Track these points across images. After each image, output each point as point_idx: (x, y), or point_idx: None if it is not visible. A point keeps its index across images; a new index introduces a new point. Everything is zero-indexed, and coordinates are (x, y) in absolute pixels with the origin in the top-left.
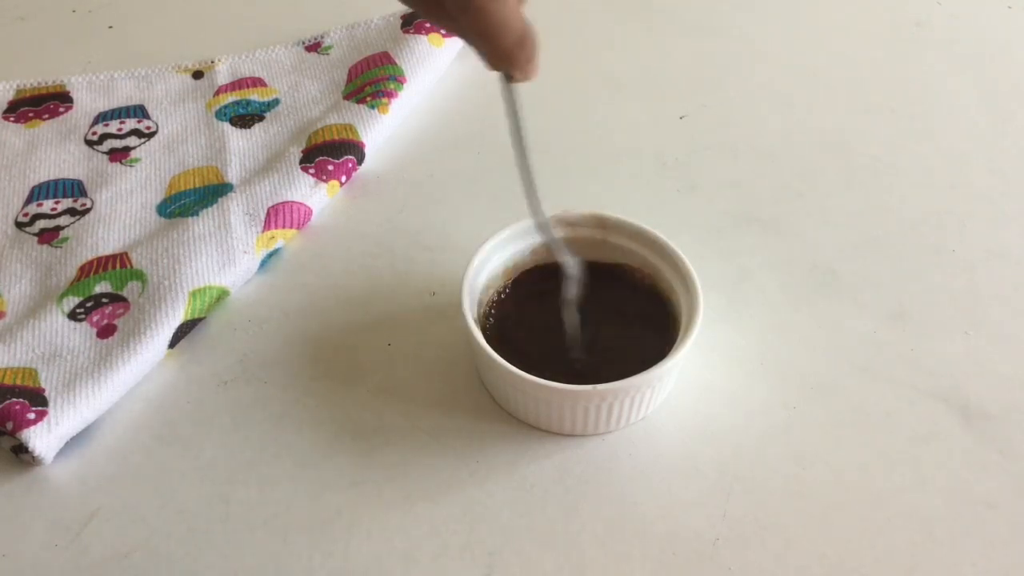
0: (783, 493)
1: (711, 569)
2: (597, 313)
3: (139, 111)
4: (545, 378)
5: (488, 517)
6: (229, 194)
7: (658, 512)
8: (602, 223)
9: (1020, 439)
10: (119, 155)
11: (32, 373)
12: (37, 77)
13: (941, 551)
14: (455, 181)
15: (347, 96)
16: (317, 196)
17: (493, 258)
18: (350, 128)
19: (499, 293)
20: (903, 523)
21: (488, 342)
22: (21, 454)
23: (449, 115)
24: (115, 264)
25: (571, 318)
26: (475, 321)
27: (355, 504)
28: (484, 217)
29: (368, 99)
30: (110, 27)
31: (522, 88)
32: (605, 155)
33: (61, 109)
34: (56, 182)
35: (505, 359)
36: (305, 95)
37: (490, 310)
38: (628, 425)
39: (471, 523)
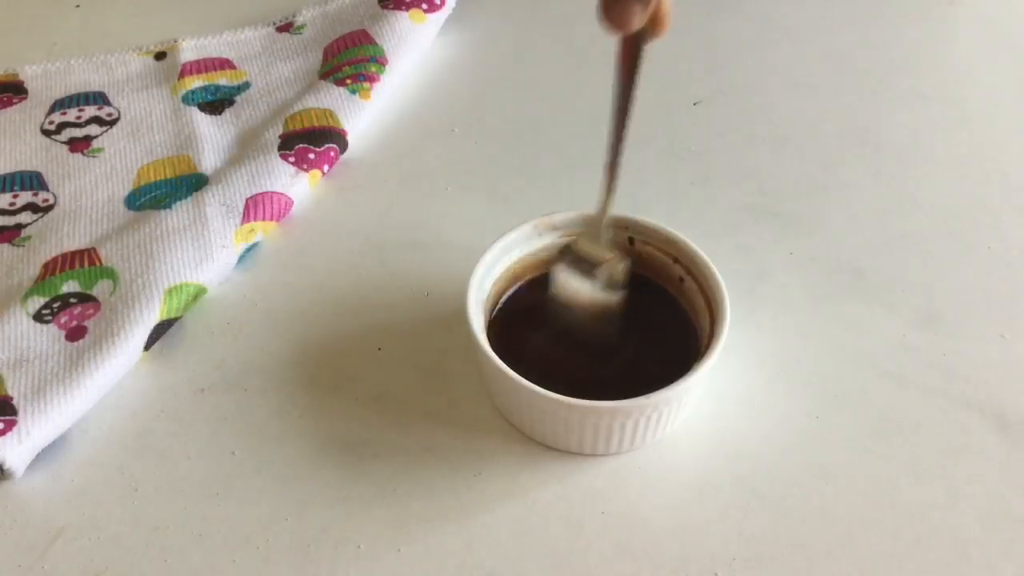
0: (804, 509)
1: None
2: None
3: (99, 97)
4: (556, 392)
5: (487, 536)
6: (204, 185)
7: (669, 530)
8: (627, 227)
9: None
10: (80, 145)
11: None
12: None
13: (976, 572)
14: (451, 172)
15: (323, 75)
16: (298, 186)
17: (500, 261)
18: (330, 114)
19: (505, 299)
20: (935, 542)
21: (494, 352)
22: None
23: (444, 100)
24: (83, 261)
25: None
26: (482, 330)
27: (342, 522)
28: (482, 212)
29: (348, 81)
30: (77, 6)
31: (519, 74)
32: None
33: (15, 100)
34: (12, 175)
35: (513, 371)
36: (278, 77)
37: (495, 317)
38: (645, 446)
39: (468, 543)
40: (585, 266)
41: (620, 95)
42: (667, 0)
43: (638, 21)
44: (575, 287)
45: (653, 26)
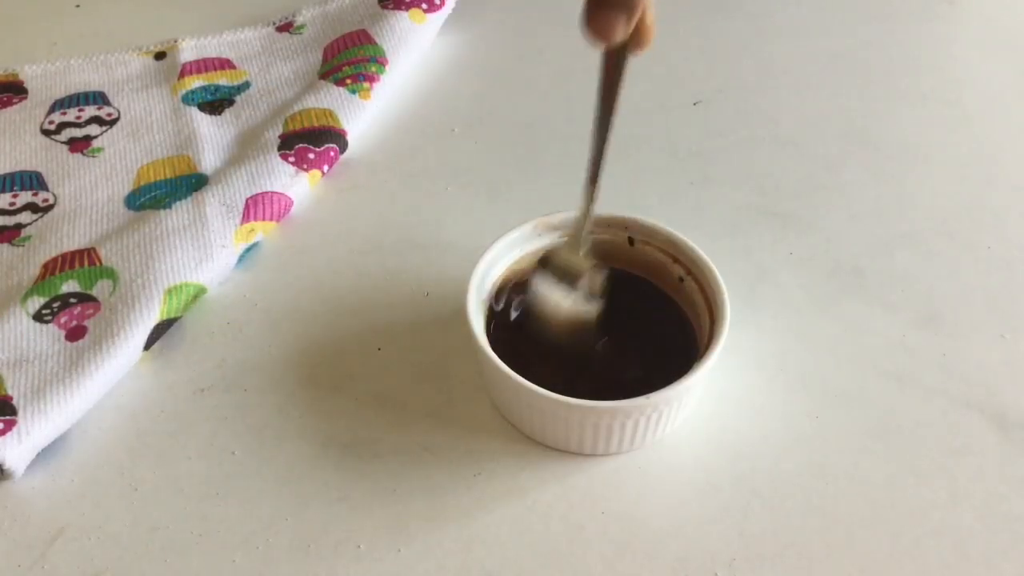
0: (805, 509)
1: None
2: (617, 325)
3: (99, 97)
4: (556, 392)
5: (487, 536)
6: (204, 185)
7: (669, 530)
8: (627, 226)
9: None
10: (80, 145)
11: None
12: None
13: (976, 572)
14: (451, 172)
15: (323, 75)
16: (298, 186)
17: (500, 261)
18: (330, 114)
19: (506, 299)
20: (935, 542)
21: (494, 352)
22: None
23: (444, 100)
24: (83, 261)
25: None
26: (482, 330)
27: (342, 522)
28: (483, 211)
29: (348, 81)
30: (77, 6)
31: (519, 74)
32: (612, 144)
33: (15, 100)
34: (12, 175)
35: (512, 370)
36: (278, 77)
37: (495, 317)
38: (645, 446)
39: (468, 543)
40: (565, 276)
41: (602, 107)
42: (651, 12)
43: (622, 33)
44: (555, 298)
45: (636, 39)
